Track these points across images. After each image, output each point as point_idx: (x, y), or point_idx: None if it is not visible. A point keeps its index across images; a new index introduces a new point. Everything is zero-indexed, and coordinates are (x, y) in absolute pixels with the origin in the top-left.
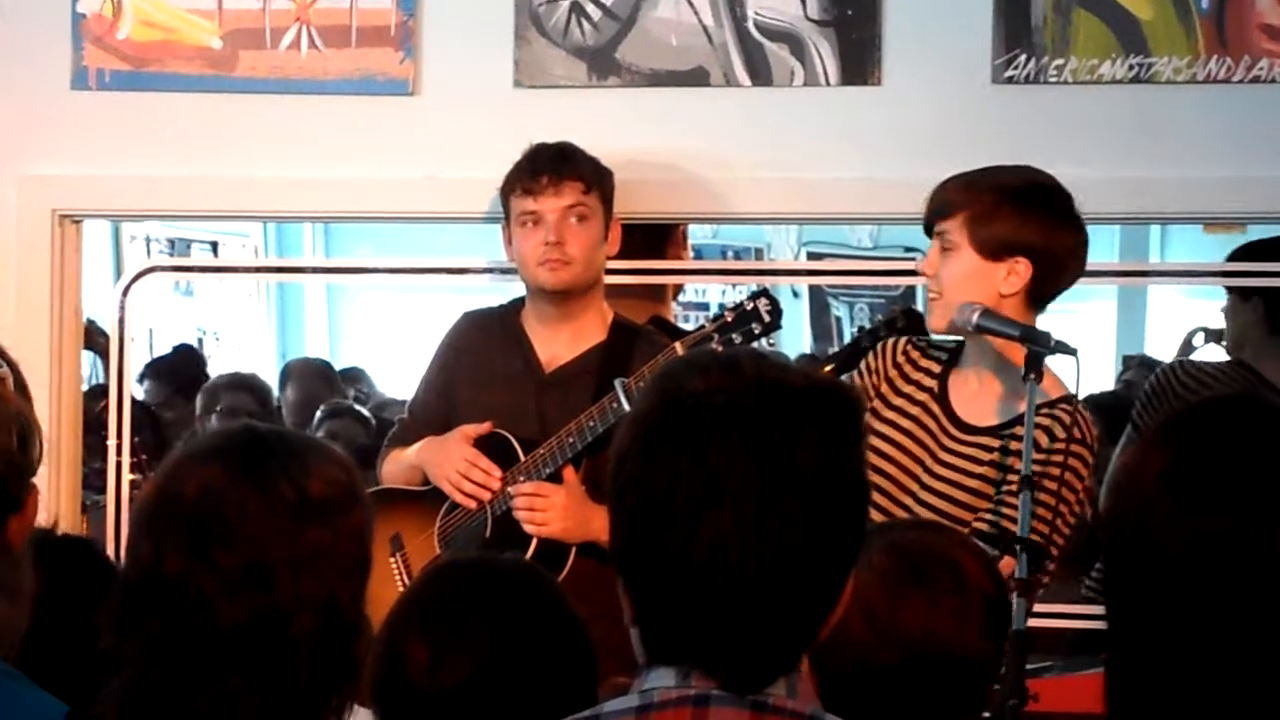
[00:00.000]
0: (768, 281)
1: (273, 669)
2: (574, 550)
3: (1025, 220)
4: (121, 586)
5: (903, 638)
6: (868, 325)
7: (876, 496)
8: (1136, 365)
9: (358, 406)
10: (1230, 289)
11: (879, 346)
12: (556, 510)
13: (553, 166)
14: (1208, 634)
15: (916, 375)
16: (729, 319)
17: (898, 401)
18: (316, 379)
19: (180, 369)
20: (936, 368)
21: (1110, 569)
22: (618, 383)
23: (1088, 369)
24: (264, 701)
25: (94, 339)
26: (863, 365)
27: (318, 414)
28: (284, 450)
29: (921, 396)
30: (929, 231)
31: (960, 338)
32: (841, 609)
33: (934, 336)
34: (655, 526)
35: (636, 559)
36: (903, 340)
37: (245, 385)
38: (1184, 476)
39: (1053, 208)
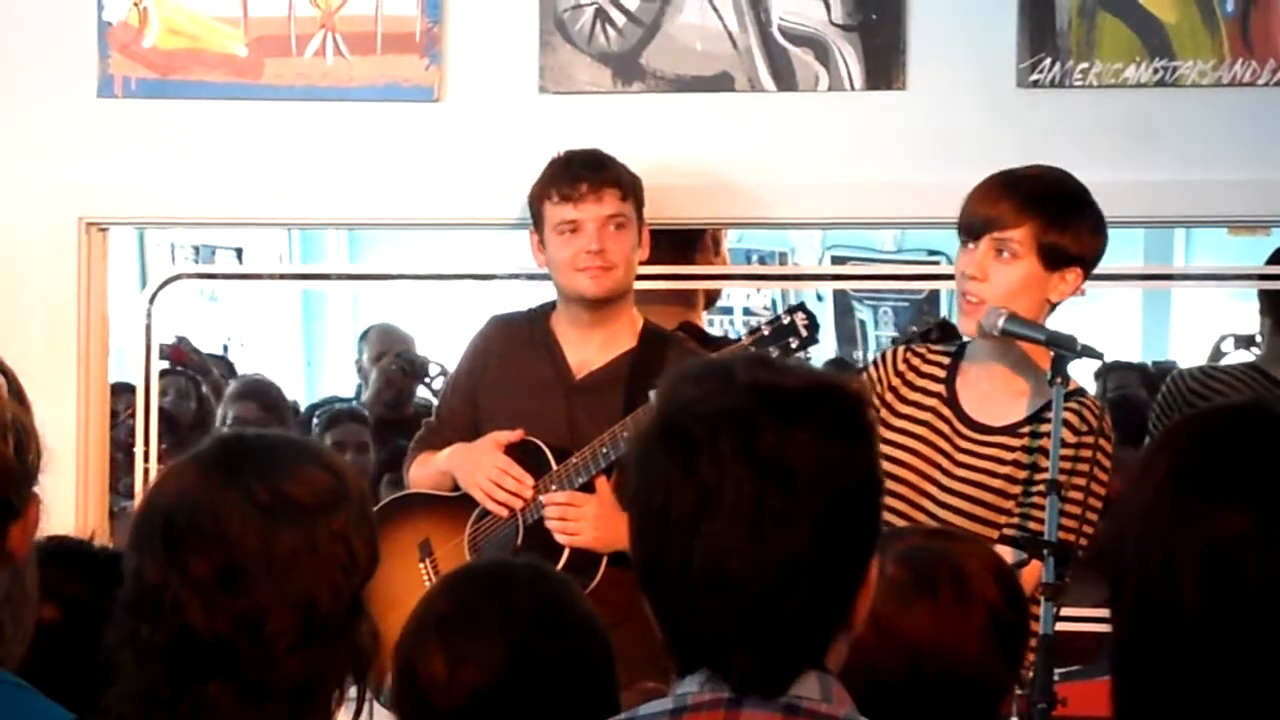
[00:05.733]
0: (792, 286)
1: (249, 670)
2: (605, 559)
3: (1085, 232)
4: (121, 601)
5: (906, 647)
6: (899, 336)
7: (893, 502)
8: (1117, 370)
9: (352, 406)
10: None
11: (879, 357)
12: (589, 520)
13: (591, 174)
14: (1216, 645)
15: (921, 381)
16: (766, 332)
17: (905, 409)
18: (397, 332)
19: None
20: (941, 372)
21: (1113, 582)
22: (653, 393)
23: None
24: (244, 702)
25: (187, 358)
26: (864, 378)
27: (315, 423)
28: (262, 453)
29: (930, 402)
30: (975, 234)
31: (948, 337)
32: (866, 601)
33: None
34: (658, 540)
35: (651, 571)
36: (902, 348)
37: (248, 393)
38: (1183, 483)
39: (1099, 217)
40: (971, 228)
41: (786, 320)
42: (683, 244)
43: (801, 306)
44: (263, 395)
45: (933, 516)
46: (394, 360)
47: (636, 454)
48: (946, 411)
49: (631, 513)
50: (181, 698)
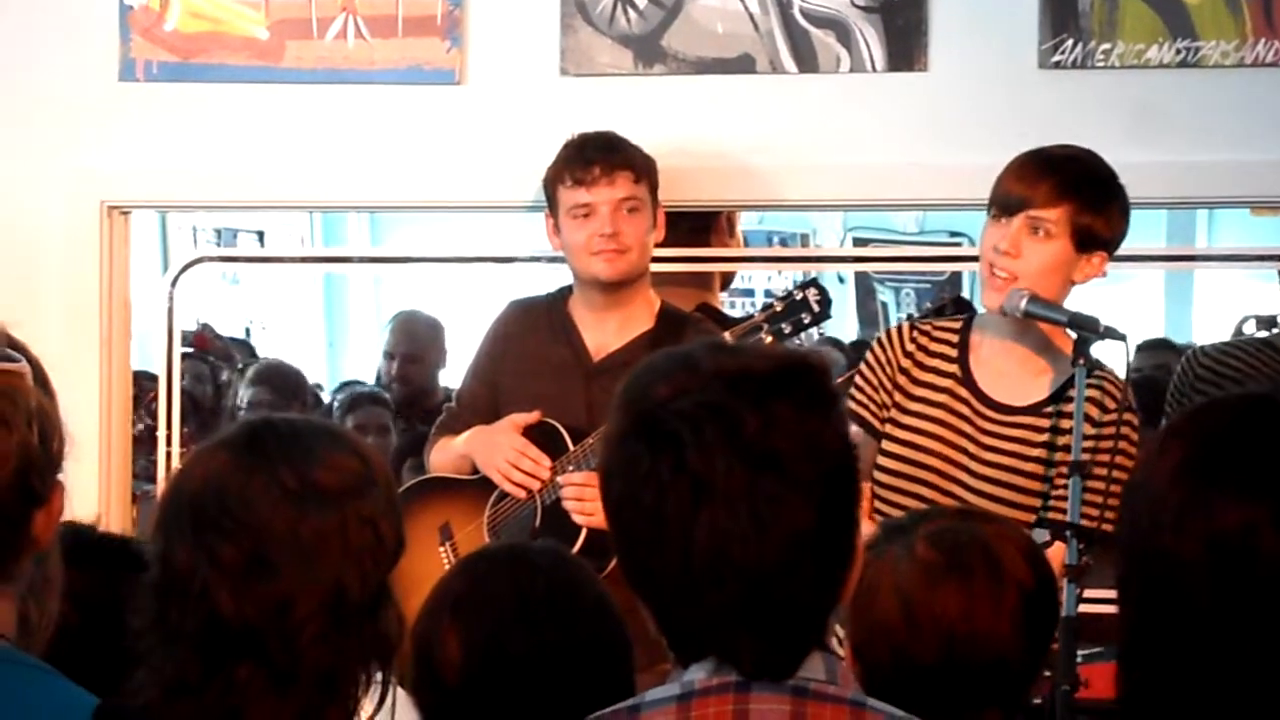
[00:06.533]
0: (813, 268)
1: (277, 655)
2: None
3: (1118, 216)
4: (148, 585)
5: (937, 628)
6: (915, 314)
7: (920, 489)
8: (1155, 349)
9: (374, 389)
10: None
11: (884, 336)
12: None
13: (604, 157)
14: (1224, 632)
15: (932, 361)
16: (778, 309)
17: (919, 391)
18: (423, 323)
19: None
20: (951, 350)
21: (1124, 566)
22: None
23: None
24: (271, 687)
25: (211, 344)
26: (869, 357)
27: (336, 408)
28: (290, 438)
29: (944, 382)
30: (1011, 211)
31: (961, 314)
32: (856, 576)
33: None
34: (654, 538)
35: (644, 571)
36: (906, 326)
37: (261, 378)
38: (1196, 470)
39: (1127, 202)
40: (1007, 204)
41: (799, 296)
42: (700, 226)
43: (814, 282)
44: (273, 379)
45: (963, 501)
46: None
47: (616, 457)
48: (963, 392)
49: (620, 515)
50: (209, 682)
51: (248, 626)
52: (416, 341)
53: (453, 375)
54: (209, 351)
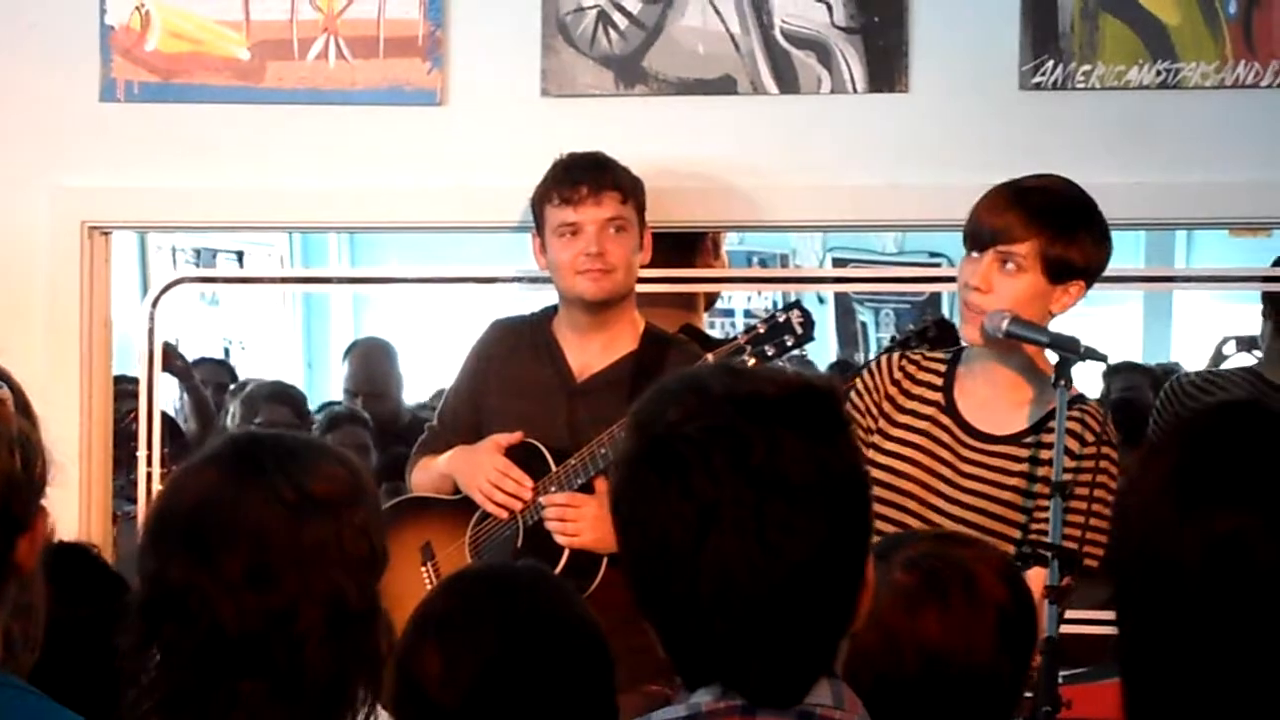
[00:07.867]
0: (793, 288)
1: (281, 667)
2: (605, 560)
3: (1092, 246)
4: (135, 604)
5: (918, 653)
6: (897, 335)
7: (898, 514)
8: (1124, 372)
9: (352, 407)
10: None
11: (873, 364)
12: (588, 521)
13: (591, 177)
14: (1221, 639)
15: (918, 390)
16: (761, 330)
17: (903, 418)
18: (378, 354)
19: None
20: (937, 380)
21: (1119, 580)
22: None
23: None
24: (275, 699)
25: (172, 362)
26: (859, 384)
27: (315, 427)
28: (282, 451)
29: (928, 410)
30: (981, 245)
31: (955, 346)
32: (867, 601)
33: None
34: (661, 562)
35: (652, 595)
36: (896, 355)
37: (283, 397)
38: (1188, 479)
39: (1104, 228)
40: (978, 238)
41: (782, 318)
42: (684, 246)
43: (797, 304)
44: (295, 401)
45: (939, 528)
46: None
47: (625, 480)
48: (946, 420)
49: (626, 538)
50: (211, 697)
51: (250, 638)
52: (375, 377)
53: (417, 392)
54: (171, 372)
